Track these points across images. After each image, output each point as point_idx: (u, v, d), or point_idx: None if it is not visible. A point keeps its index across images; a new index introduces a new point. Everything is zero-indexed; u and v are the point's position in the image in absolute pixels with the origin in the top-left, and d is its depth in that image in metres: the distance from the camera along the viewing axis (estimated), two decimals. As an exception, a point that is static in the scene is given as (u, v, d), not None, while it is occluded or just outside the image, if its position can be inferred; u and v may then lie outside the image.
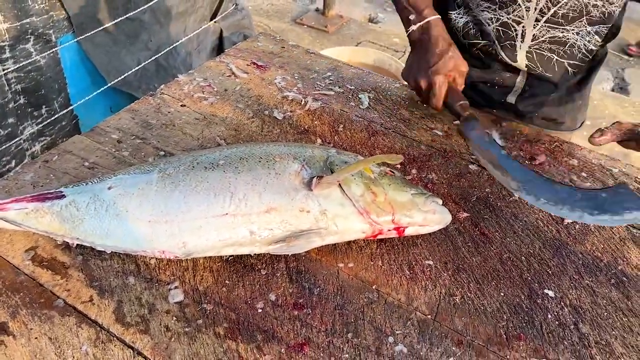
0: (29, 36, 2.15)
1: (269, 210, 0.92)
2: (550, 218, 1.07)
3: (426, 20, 1.22)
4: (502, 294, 0.93)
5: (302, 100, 1.36)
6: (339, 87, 1.42)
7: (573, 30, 1.23)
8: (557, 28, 1.23)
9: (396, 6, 1.30)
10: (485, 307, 0.91)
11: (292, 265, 0.95)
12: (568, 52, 1.29)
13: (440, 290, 0.93)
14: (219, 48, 3.29)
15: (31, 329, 0.84)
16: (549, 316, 0.90)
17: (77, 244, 0.95)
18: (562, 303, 0.92)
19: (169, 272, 0.94)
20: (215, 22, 3.20)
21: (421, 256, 0.99)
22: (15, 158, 2.29)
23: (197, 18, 3.03)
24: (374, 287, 0.93)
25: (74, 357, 0.81)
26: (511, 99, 1.42)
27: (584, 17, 1.21)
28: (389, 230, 0.96)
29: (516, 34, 1.27)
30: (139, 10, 2.60)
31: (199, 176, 0.95)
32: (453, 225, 1.05)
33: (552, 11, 1.19)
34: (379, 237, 0.98)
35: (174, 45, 2.82)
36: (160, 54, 2.72)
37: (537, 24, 1.23)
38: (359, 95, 1.39)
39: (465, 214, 1.07)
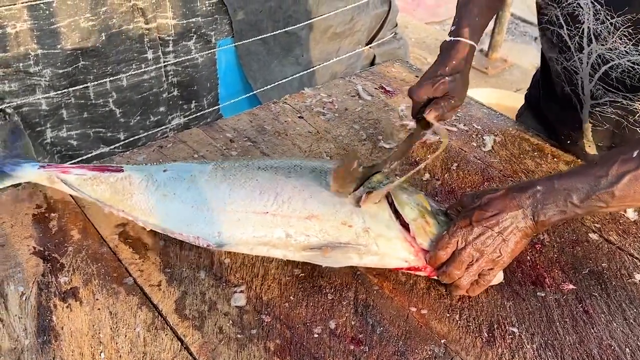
0: (192, 34, 2.30)
1: (309, 217, 0.89)
2: (674, 313, 0.91)
3: (457, 39, 1.09)
4: (590, 386, 0.80)
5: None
6: (464, 125, 1.33)
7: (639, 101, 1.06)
8: (616, 93, 1.08)
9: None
10: (566, 395, 0.78)
11: (361, 297, 0.90)
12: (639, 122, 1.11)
13: (518, 363, 0.82)
14: (369, 74, 3.30)
15: (97, 299, 0.87)
16: None
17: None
18: (664, 415, 0.77)
19: (239, 275, 0.93)
20: (370, 47, 3.23)
21: (507, 320, 0.88)
22: (159, 144, 2.46)
23: (352, 41, 3.07)
24: (442, 341, 0.84)
25: (125, 336, 0.82)
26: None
27: None
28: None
29: (576, 83, 1.15)
30: (299, 25, 2.69)
31: (250, 173, 0.95)
32: (553, 295, 0.93)
33: (602, 69, 1.06)
34: (419, 273, 0.92)
35: (324, 64, 2.88)
36: (308, 70, 2.79)
37: (592, 79, 1.10)
38: (484, 137, 1.30)
39: (571, 286, 0.95)
